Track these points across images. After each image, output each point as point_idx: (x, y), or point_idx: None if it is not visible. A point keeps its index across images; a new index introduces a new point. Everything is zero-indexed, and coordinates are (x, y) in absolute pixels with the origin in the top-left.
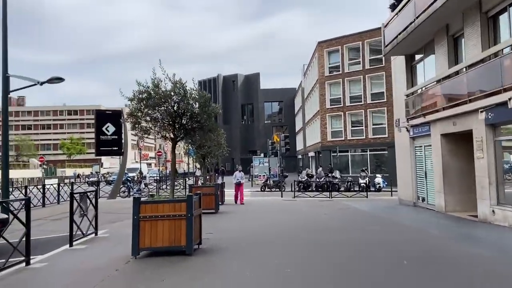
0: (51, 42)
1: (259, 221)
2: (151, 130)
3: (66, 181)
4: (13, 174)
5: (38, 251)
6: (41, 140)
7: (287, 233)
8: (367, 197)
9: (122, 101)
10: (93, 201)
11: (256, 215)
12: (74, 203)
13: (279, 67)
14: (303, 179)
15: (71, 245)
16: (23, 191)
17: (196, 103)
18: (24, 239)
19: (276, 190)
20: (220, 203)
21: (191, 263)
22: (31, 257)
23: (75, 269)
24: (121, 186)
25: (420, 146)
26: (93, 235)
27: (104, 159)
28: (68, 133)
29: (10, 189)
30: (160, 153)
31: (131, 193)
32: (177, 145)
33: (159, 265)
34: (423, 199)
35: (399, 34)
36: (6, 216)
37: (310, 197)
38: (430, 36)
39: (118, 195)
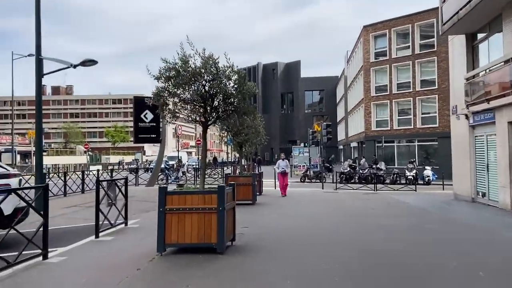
0: (98, 35)
1: (300, 215)
2: (179, 113)
3: (110, 167)
4: (60, 160)
5: (62, 242)
6: (87, 127)
7: (332, 231)
8: (415, 190)
9: (150, 81)
10: (123, 189)
11: (296, 208)
12: (101, 192)
13: (320, 56)
14: (345, 170)
15: (97, 236)
16: (63, 177)
17: (230, 81)
18: (42, 230)
19: (317, 181)
20: (257, 193)
21: (222, 264)
22: (53, 249)
23: (93, 266)
24: (159, 173)
25: (482, 136)
26: (123, 225)
27: (146, 147)
28: (112, 121)
29: (53, 175)
30: (200, 142)
31: (169, 181)
32: (213, 133)
33: (186, 265)
34: (484, 195)
35: (461, 9)
36: (25, 204)
37: (353, 189)
38: (497, 11)
39: (156, 182)
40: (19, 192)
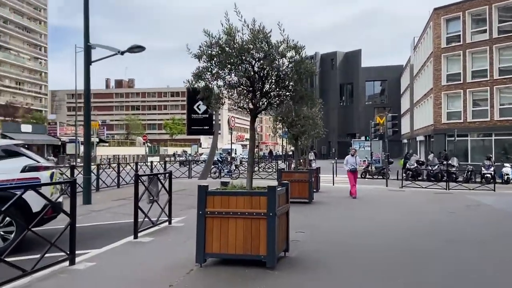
0: (157, 29)
1: (365, 218)
2: (224, 99)
3: (167, 159)
4: (121, 151)
5: (99, 242)
6: (147, 120)
7: (409, 241)
8: (494, 190)
9: (190, 60)
10: (167, 184)
11: (359, 209)
12: (142, 188)
13: (382, 46)
14: (412, 166)
15: (135, 236)
16: (117, 168)
17: (284, 59)
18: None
19: (379, 177)
20: (314, 190)
21: (271, 284)
22: (85, 251)
23: (121, 276)
24: (212, 166)
25: None
26: (167, 223)
27: (202, 139)
28: (171, 113)
29: (107, 166)
30: (242, 136)
31: (222, 174)
32: (268, 126)
33: (228, 284)
34: None
35: None
36: (60, 200)
37: (422, 187)
38: None
39: (209, 175)
40: (52, 188)
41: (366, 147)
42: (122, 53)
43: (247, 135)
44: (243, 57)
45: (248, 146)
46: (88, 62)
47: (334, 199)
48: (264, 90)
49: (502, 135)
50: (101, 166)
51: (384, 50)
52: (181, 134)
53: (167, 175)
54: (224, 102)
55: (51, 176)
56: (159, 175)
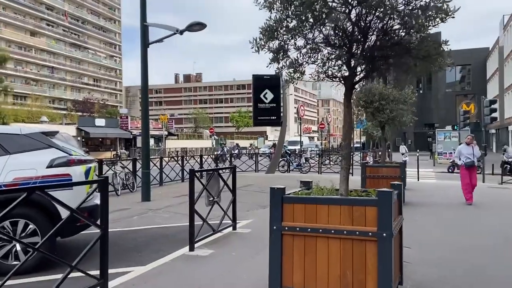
0: (222, 25)
1: (481, 228)
2: (305, 64)
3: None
4: (189, 144)
5: (145, 254)
6: (214, 113)
7: None
8: None
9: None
10: (230, 181)
11: (463, 212)
12: (199, 188)
13: (464, 28)
14: (510, 159)
15: (191, 248)
16: (180, 162)
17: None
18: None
19: None
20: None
21: None
22: (123, 269)
23: None
24: (280, 159)
25: None
26: (230, 228)
27: (268, 131)
28: (237, 106)
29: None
30: (323, 125)
31: (291, 168)
32: (336, 117)
33: None
34: None
35: None
36: (96, 202)
37: None
38: None
39: (277, 169)
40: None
41: (453, 138)
42: (181, 32)
43: (314, 127)
44: (334, 4)
45: (342, 131)
46: (145, 43)
47: (427, 198)
48: (366, 46)
49: None
50: (165, 159)
51: (467, 33)
52: (247, 127)
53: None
54: (305, 70)
55: (87, 172)
56: (220, 171)
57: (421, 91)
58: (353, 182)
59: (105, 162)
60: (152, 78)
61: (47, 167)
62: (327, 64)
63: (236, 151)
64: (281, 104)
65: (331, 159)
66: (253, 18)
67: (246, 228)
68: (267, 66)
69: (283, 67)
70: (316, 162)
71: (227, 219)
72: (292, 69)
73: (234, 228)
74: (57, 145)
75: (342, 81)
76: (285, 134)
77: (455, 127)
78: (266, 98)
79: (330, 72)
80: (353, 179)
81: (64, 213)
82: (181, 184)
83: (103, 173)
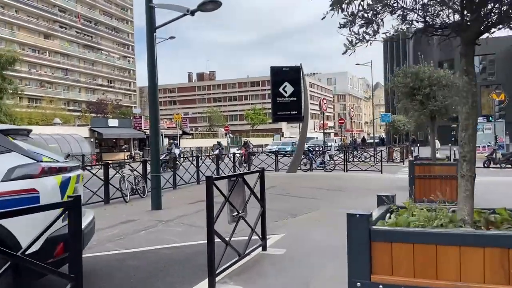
0: (234, 24)
1: None
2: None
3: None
4: (204, 143)
5: None
6: (228, 111)
7: None
8: None
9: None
10: (258, 188)
11: None
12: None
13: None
14: None
15: (211, 284)
16: (195, 162)
17: None
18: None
19: (507, 166)
20: None
21: None
22: None
23: None
24: (302, 157)
25: None
26: (259, 249)
27: (284, 128)
28: (251, 103)
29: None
30: (343, 121)
31: (314, 166)
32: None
33: None
34: None
35: None
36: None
37: None
38: None
39: (299, 168)
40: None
41: (486, 130)
42: (192, 12)
43: (331, 123)
44: None
45: (461, 112)
46: (151, 27)
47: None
48: None
49: None
50: (179, 160)
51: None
52: (262, 124)
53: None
54: (379, 23)
55: (64, 184)
56: (245, 175)
57: None
58: (389, 182)
59: (111, 165)
60: (166, 78)
61: (1, 181)
62: (427, 9)
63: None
64: (302, 98)
65: (355, 155)
66: (266, 17)
67: (278, 248)
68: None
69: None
70: (340, 159)
71: (254, 234)
72: (364, 22)
73: (264, 249)
74: (20, 148)
75: (456, 33)
76: (307, 130)
77: (490, 118)
78: (286, 92)
79: (436, 21)
80: (385, 177)
81: (25, 243)
82: (197, 187)
83: (110, 177)
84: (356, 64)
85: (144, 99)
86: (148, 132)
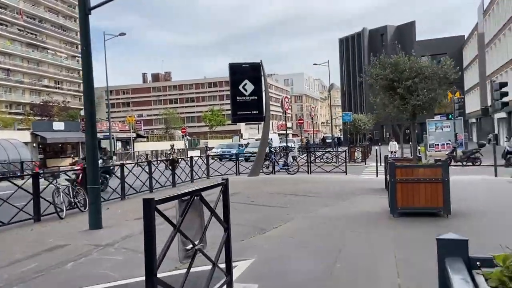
0: (191, 25)
1: None
2: None
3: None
4: (160, 146)
5: None
6: (186, 112)
7: None
8: None
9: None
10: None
11: None
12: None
13: (438, 18)
14: None
15: None
16: (148, 168)
17: None
18: None
19: (468, 164)
20: None
21: None
22: None
23: None
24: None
25: None
26: None
27: (243, 129)
28: (209, 105)
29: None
30: (302, 121)
31: (277, 169)
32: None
33: None
34: None
35: None
36: None
37: None
38: None
39: (261, 171)
40: None
41: (445, 128)
42: None
43: (289, 123)
44: None
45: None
46: (85, 8)
47: (474, 209)
48: None
49: None
50: (128, 165)
51: (440, 22)
52: (220, 126)
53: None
54: None
55: None
56: (203, 191)
57: None
58: (357, 184)
59: (42, 175)
60: (119, 79)
61: None
62: None
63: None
64: (263, 97)
65: (317, 156)
66: (224, 18)
67: (248, 284)
68: None
69: None
70: (304, 161)
71: (219, 271)
72: None
73: (230, 285)
74: None
75: None
76: (268, 130)
77: (450, 116)
78: (246, 90)
79: None
80: (351, 178)
81: None
82: (150, 195)
83: (40, 190)
84: (314, 64)
85: (96, 100)
86: (98, 135)
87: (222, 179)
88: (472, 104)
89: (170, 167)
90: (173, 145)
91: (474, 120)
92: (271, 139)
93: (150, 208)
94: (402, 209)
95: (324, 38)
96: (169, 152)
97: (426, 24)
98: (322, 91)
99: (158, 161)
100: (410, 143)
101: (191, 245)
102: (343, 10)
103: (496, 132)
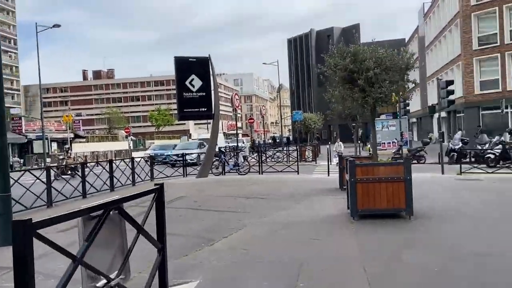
0: (137, 22)
1: None
2: None
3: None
4: (101, 147)
5: None
6: (131, 112)
7: None
8: None
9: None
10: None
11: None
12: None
13: (384, 20)
14: (456, 146)
15: None
16: (81, 171)
17: None
18: None
19: (414, 162)
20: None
21: None
22: None
23: None
24: (214, 160)
25: None
26: None
27: (192, 129)
28: (155, 104)
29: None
30: (252, 120)
31: (227, 169)
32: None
33: None
34: None
35: None
36: None
37: (488, 172)
38: None
39: (210, 172)
40: None
41: (390, 127)
42: None
43: (239, 123)
44: None
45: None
46: None
47: (439, 207)
48: None
49: None
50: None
51: (383, 25)
52: (168, 126)
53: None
54: None
55: None
56: (126, 201)
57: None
58: (310, 183)
59: None
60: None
61: None
62: None
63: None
64: (212, 93)
65: (268, 156)
66: (172, 17)
67: None
68: None
69: None
70: (254, 161)
71: None
72: None
73: None
74: None
75: None
76: (218, 129)
77: (397, 115)
78: (193, 86)
79: None
80: (303, 178)
81: None
82: (83, 201)
83: None
84: (263, 63)
85: (30, 99)
86: (30, 135)
87: (156, 184)
88: (413, 104)
89: (63, 176)
90: (69, 148)
91: (414, 119)
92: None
93: (23, 236)
94: (363, 211)
95: (273, 39)
96: (61, 157)
97: (369, 27)
98: (271, 92)
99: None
100: (359, 142)
101: (104, 281)
102: (292, 13)
103: (437, 130)
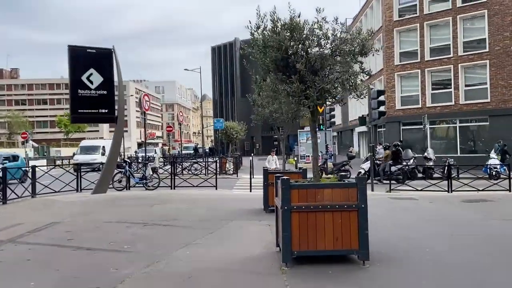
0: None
1: None
2: None
3: (59, 162)
4: None
5: None
6: (36, 116)
7: None
8: (510, 190)
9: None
10: None
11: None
12: None
13: None
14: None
15: None
16: None
17: None
18: None
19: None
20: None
21: None
22: None
23: None
24: (116, 171)
25: None
26: None
27: (106, 136)
28: (65, 108)
29: None
30: (171, 128)
31: (132, 183)
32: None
33: None
34: None
35: None
36: None
37: (417, 189)
38: None
39: (110, 185)
40: None
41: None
42: None
43: (159, 132)
44: None
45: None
46: None
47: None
48: None
49: (469, 121)
50: None
51: None
52: (79, 132)
53: None
54: None
55: None
56: None
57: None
58: (230, 202)
59: None
60: None
61: None
62: None
63: None
64: (116, 92)
65: (183, 166)
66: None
67: None
68: None
69: None
70: (168, 174)
71: None
72: None
73: None
74: None
75: None
76: (122, 135)
77: (321, 127)
78: (92, 82)
79: None
80: (223, 194)
81: None
82: None
83: None
84: (185, 69)
85: None
86: None
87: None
88: (336, 117)
89: None
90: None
91: (335, 133)
92: (103, 147)
93: None
94: (300, 253)
95: (196, 50)
96: None
97: None
98: (194, 101)
99: None
100: (286, 155)
101: None
102: (217, 24)
103: (357, 145)
